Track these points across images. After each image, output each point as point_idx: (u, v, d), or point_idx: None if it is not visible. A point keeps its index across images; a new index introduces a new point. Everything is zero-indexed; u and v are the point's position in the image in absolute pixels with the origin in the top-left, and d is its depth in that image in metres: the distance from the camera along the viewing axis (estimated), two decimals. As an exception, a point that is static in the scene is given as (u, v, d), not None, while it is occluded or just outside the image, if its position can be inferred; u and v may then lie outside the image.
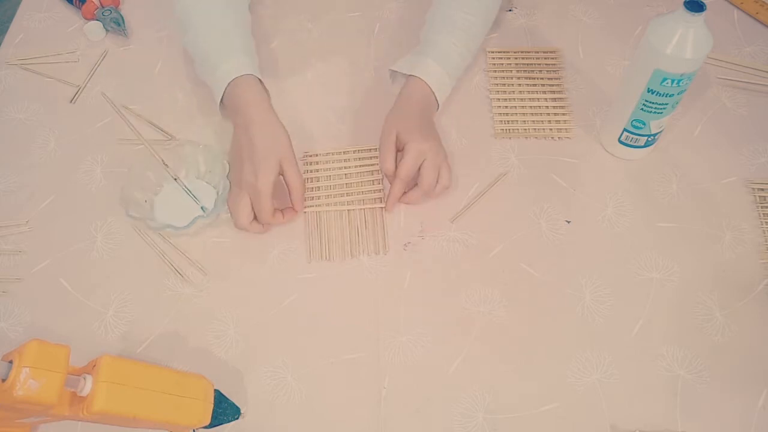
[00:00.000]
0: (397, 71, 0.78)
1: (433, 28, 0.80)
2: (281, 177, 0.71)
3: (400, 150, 0.73)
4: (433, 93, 0.76)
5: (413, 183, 0.74)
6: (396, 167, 0.72)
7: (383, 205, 0.75)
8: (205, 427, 0.56)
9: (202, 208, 0.74)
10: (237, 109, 0.72)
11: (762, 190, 0.76)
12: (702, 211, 0.75)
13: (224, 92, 0.73)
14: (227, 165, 0.74)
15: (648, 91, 0.69)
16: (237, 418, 0.60)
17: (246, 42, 0.78)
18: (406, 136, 0.72)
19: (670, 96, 0.69)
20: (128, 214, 0.71)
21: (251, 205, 0.70)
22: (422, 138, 0.71)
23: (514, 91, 0.85)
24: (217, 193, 0.75)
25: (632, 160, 0.79)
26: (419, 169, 0.72)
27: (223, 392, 0.58)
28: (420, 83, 0.75)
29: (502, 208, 0.75)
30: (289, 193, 0.72)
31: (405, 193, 0.74)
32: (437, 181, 0.72)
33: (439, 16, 0.80)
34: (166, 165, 0.75)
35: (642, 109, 0.71)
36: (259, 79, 0.75)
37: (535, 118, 0.82)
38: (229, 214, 0.74)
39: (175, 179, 0.76)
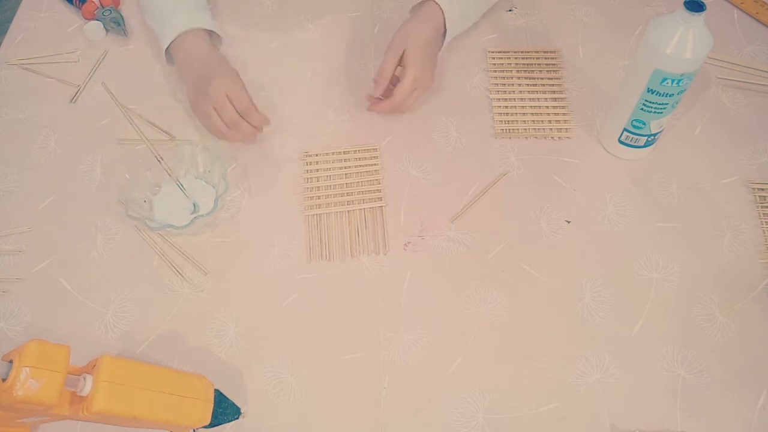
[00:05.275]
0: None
1: None
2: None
3: (400, 65, 0.78)
4: (444, 26, 0.80)
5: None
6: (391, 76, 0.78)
7: (383, 203, 0.75)
8: (205, 427, 0.56)
9: (194, 204, 0.74)
10: (189, 62, 0.80)
11: (762, 190, 0.76)
12: (702, 211, 0.75)
13: (172, 43, 0.80)
14: (226, 165, 0.74)
15: (648, 91, 0.69)
16: (237, 418, 0.60)
17: None
18: (412, 58, 0.77)
19: (670, 96, 0.69)
20: (128, 214, 0.71)
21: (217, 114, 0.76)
22: (422, 68, 0.77)
23: (514, 91, 0.85)
24: (216, 193, 0.75)
25: (632, 160, 0.79)
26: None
27: (223, 392, 0.59)
28: (437, 12, 0.79)
29: (502, 208, 0.75)
30: (246, 115, 0.76)
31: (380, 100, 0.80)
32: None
33: None
34: (160, 160, 0.75)
35: (642, 109, 0.71)
36: (209, 31, 0.81)
37: (535, 118, 0.82)
38: (228, 215, 0.74)
39: (178, 183, 0.76)
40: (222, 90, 0.75)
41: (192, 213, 0.73)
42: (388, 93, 0.80)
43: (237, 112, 0.76)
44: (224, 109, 0.75)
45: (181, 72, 0.82)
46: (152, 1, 0.83)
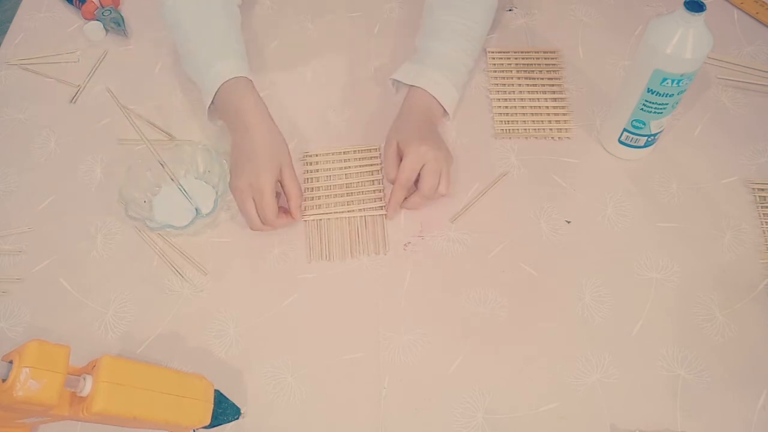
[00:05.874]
0: (398, 81, 0.79)
1: (431, 35, 0.79)
2: (279, 184, 0.71)
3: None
4: (437, 100, 0.76)
5: (414, 188, 0.73)
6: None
7: (384, 212, 0.75)
8: (205, 427, 0.56)
9: (196, 209, 0.74)
10: (236, 111, 0.72)
11: (762, 190, 0.76)
12: (702, 211, 0.75)
13: (216, 94, 0.73)
14: (226, 165, 0.74)
15: (648, 91, 0.69)
16: (237, 418, 0.60)
17: (239, 43, 0.78)
18: (405, 142, 0.71)
19: (670, 96, 0.69)
20: (127, 214, 0.71)
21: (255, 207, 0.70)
22: (421, 142, 0.70)
23: (514, 91, 0.85)
24: (216, 194, 0.75)
25: (632, 160, 0.79)
26: (420, 173, 0.71)
27: (223, 392, 0.58)
28: (421, 93, 0.76)
29: (502, 208, 0.75)
30: (288, 200, 0.72)
31: (406, 198, 0.73)
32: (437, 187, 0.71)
33: (436, 22, 0.80)
34: (163, 165, 0.75)
35: (642, 109, 0.71)
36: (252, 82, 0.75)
37: (535, 118, 0.82)
38: (228, 215, 0.74)
39: (181, 187, 0.76)
40: (272, 188, 0.69)
41: (199, 215, 0.73)
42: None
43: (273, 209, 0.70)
44: (265, 209, 0.69)
45: (226, 123, 0.76)
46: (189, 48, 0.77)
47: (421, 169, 0.70)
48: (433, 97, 0.76)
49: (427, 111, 0.76)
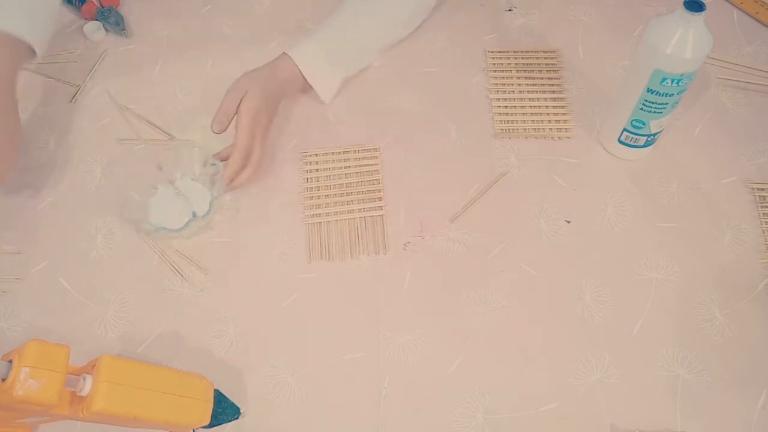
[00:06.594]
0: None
1: (331, 17, 0.81)
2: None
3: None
4: (299, 70, 0.78)
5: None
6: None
7: (383, 203, 0.75)
8: (205, 427, 0.56)
9: (193, 213, 0.74)
10: None
11: (762, 190, 0.76)
12: (702, 211, 0.75)
13: None
14: (221, 167, 0.74)
15: (648, 91, 0.69)
16: (237, 418, 0.60)
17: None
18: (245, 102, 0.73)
19: (670, 96, 0.69)
20: (123, 216, 0.71)
21: None
22: (246, 79, 0.74)
23: (514, 91, 0.85)
24: (211, 196, 0.75)
25: (632, 160, 0.79)
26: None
27: (223, 392, 0.58)
28: (286, 58, 0.78)
29: (502, 208, 0.75)
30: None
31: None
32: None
33: (345, 10, 0.82)
34: (162, 170, 0.75)
35: (642, 109, 0.71)
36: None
37: (535, 118, 0.82)
38: (228, 215, 0.74)
39: (178, 190, 0.76)
40: None
41: (194, 218, 0.73)
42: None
43: None
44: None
45: None
46: None
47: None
48: (295, 63, 0.78)
49: (281, 76, 0.78)
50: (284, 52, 0.79)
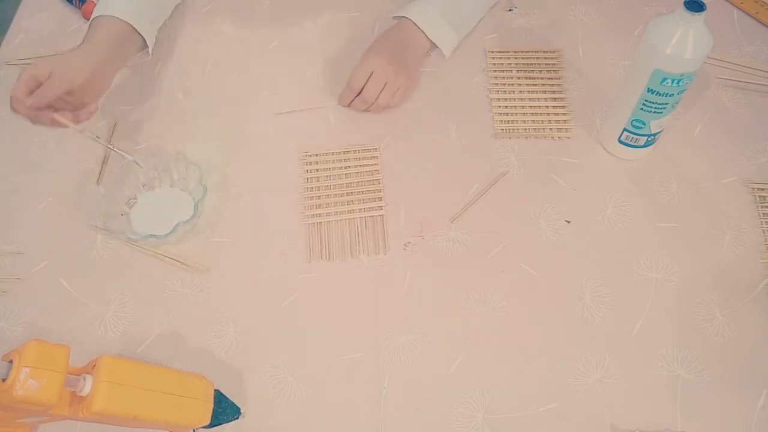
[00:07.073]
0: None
1: None
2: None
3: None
4: (421, 31, 0.80)
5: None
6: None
7: (383, 203, 0.75)
8: (205, 427, 0.56)
9: (194, 206, 0.74)
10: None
11: (762, 190, 0.76)
12: (702, 211, 0.75)
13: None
14: (200, 170, 0.75)
15: (648, 91, 0.69)
16: (237, 418, 0.60)
17: None
18: (364, 54, 0.79)
19: (670, 96, 0.69)
20: (106, 228, 0.71)
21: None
22: (376, 55, 0.77)
23: (514, 91, 0.85)
24: (194, 199, 0.75)
25: (632, 160, 0.79)
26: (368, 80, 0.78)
27: (223, 392, 0.58)
28: (405, 22, 0.80)
29: (502, 208, 0.75)
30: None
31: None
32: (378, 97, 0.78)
33: None
34: (139, 177, 0.76)
35: (642, 109, 0.71)
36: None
37: (535, 118, 0.82)
38: (228, 215, 0.74)
39: (135, 161, 0.76)
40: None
41: (181, 221, 0.72)
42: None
43: None
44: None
45: None
46: None
47: (369, 77, 0.77)
48: (417, 26, 0.80)
49: (405, 38, 0.80)
50: (403, 16, 0.82)
